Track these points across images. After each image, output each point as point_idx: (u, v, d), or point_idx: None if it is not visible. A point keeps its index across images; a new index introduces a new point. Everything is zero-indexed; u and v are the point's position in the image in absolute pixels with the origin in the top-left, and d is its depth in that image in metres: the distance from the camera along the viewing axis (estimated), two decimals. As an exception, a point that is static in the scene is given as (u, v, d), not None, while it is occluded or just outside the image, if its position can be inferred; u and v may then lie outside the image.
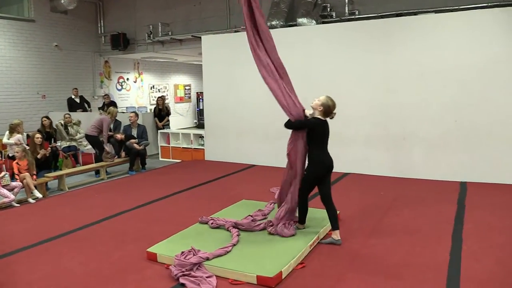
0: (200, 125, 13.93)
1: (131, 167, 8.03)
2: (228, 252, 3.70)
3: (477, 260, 3.67)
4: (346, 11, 8.50)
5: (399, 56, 7.05)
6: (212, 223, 4.42)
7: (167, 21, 11.05)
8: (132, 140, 8.02)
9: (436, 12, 7.50)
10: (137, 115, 8.47)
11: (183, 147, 9.27)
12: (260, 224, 4.34)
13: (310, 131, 4.13)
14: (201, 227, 4.45)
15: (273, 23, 8.74)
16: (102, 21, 12.08)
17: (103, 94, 11.65)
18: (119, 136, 8.06)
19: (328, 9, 8.69)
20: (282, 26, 8.62)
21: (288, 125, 4.20)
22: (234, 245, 3.86)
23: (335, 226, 4.11)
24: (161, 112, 10.08)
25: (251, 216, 4.61)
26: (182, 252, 3.64)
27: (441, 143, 6.76)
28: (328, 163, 4.16)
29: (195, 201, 5.77)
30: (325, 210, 4.17)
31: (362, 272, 3.50)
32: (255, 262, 3.52)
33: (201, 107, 14.06)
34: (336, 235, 4.08)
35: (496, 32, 6.37)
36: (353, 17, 8.36)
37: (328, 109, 4.09)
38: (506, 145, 6.35)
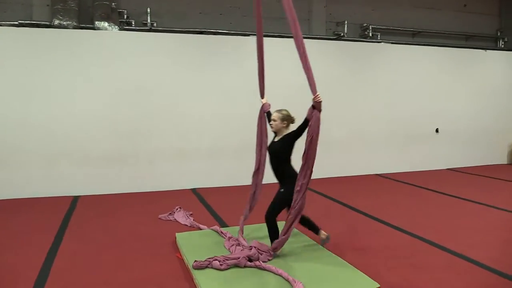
0: None
1: None
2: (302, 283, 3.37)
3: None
4: (149, 21, 8.10)
5: (230, 73, 7.62)
6: (222, 265, 3.70)
7: None
8: None
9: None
10: None
11: None
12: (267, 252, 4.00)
13: (293, 143, 4.01)
14: (211, 273, 3.64)
15: (64, 22, 7.26)
16: None
17: None
18: None
19: (125, 16, 8.01)
20: (75, 27, 7.32)
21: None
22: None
23: (317, 229, 4.28)
24: None
25: (241, 246, 4.13)
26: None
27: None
28: None
29: (100, 255, 4.32)
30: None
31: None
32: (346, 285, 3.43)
33: None
34: (323, 234, 4.26)
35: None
36: (160, 28, 8.09)
37: (290, 118, 4.11)
38: (320, 148, 8.14)
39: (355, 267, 3.69)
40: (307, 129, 3.81)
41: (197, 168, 7.37)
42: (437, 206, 6.15)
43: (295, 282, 3.36)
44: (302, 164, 3.81)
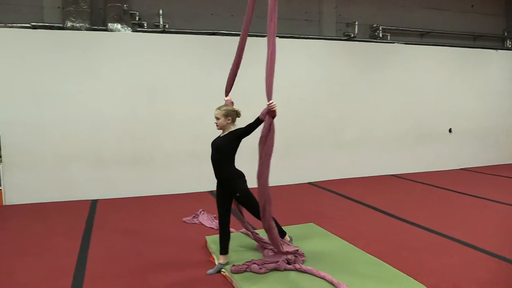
0: None
1: None
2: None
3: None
4: (161, 22, 8.04)
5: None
6: (261, 269, 3.65)
7: None
8: None
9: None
10: None
11: (-46, 194, 6.09)
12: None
13: (238, 140, 3.83)
14: (250, 277, 3.58)
15: (77, 24, 7.19)
16: None
17: None
18: None
19: (137, 17, 7.94)
20: (88, 29, 7.24)
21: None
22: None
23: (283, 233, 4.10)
24: None
25: (271, 250, 4.07)
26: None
27: (286, 151, 7.77)
28: None
29: (131, 260, 4.26)
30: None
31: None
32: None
33: None
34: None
35: (320, 59, 8.08)
36: (172, 30, 8.01)
37: (234, 113, 3.90)
38: (334, 148, 8.16)
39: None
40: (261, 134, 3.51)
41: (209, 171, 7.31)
42: (458, 205, 6.14)
43: (339, 284, 3.32)
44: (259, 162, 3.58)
